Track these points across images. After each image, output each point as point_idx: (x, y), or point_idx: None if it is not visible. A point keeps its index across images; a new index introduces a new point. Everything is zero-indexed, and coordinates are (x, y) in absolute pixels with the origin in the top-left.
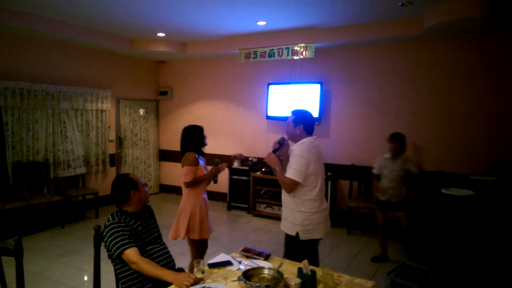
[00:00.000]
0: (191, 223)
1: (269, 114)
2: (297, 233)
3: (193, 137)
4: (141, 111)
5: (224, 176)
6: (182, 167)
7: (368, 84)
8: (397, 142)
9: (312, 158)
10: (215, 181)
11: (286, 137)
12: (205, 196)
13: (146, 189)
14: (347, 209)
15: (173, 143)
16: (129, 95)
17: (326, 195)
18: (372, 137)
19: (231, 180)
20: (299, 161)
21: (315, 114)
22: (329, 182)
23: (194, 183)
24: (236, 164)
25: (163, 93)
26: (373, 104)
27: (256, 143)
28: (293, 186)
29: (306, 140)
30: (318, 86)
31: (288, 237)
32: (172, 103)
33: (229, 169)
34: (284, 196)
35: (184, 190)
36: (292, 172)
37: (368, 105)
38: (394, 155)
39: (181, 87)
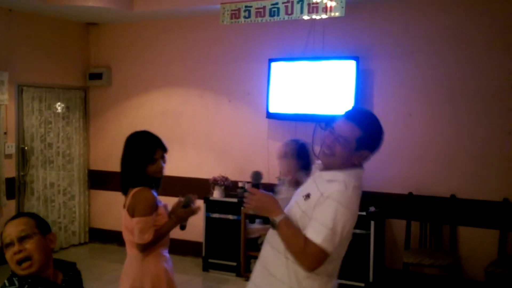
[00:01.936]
0: None
1: (271, 110)
2: None
3: (142, 156)
4: (59, 107)
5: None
6: (131, 215)
7: (440, 60)
8: (289, 156)
9: (357, 209)
10: (182, 227)
11: (261, 173)
12: (166, 254)
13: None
14: (402, 267)
15: (112, 159)
16: (39, 81)
17: (368, 244)
18: (447, 149)
19: (208, 221)
20: (340, 214)
21: (346, 109)
22: (372, 224)
23: (155, 242)
24: (216, 194)
25: (96, 76)
26: (449, 95)
27: (251, 159)
28: (321, 260)
29: (357, 174)
30: (352, 64)
31: None
32: (110, 93)
33: (205, 201)
34: (271, 256)
35: (132, 252)
36: (323, 233)
37: (442, 96)
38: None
39: (125, 66)
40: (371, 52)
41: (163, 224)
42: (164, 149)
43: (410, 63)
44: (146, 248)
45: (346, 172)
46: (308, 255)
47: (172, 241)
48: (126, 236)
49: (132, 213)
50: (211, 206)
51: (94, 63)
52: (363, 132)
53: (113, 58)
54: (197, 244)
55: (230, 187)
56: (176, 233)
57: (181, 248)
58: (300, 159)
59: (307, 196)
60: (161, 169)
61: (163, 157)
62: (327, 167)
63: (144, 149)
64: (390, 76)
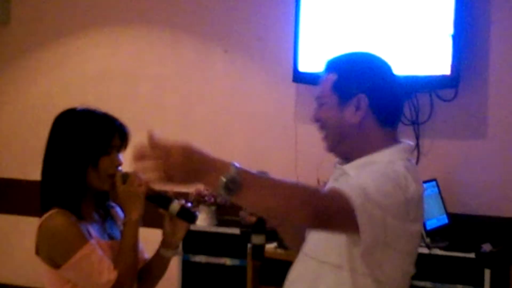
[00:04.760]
0: None
1: (302, 68)
2: None
3: (90, 147)
4: None
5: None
6: (53, 264)
7: None
8: None
9: (420, 196)
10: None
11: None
12: None
13: None
14: None
15: (14, 158)
16: None
17: None
18: None
19: (187, 268)
20: (372, 179)
21: (444, 68)
22: (487, 274)
23: (132, 273)
24: (202, 221)
25: None
26: None
27: (264, 155)
28: (347, 211)
29: (397, 154)
30: None
31: None
32: (7, 39)
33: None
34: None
35: None
36: (348, 188)
37: None
38: None
39: None
40: None
41: (122, 238)
42: (123, 138)
43: None
44: None
45: (386, 152)
46: (318, 198)
47: None
48: None
49: (53, 260)
50: (193, 242)
51: None
52: (338, 74)
53: None
54: None
55: (227, 207)
56: None
57: None
58: None
59: None
60: (117, 165)
61: (118, 150)
62: (343, 156)
63: (95, 135)
64: None
